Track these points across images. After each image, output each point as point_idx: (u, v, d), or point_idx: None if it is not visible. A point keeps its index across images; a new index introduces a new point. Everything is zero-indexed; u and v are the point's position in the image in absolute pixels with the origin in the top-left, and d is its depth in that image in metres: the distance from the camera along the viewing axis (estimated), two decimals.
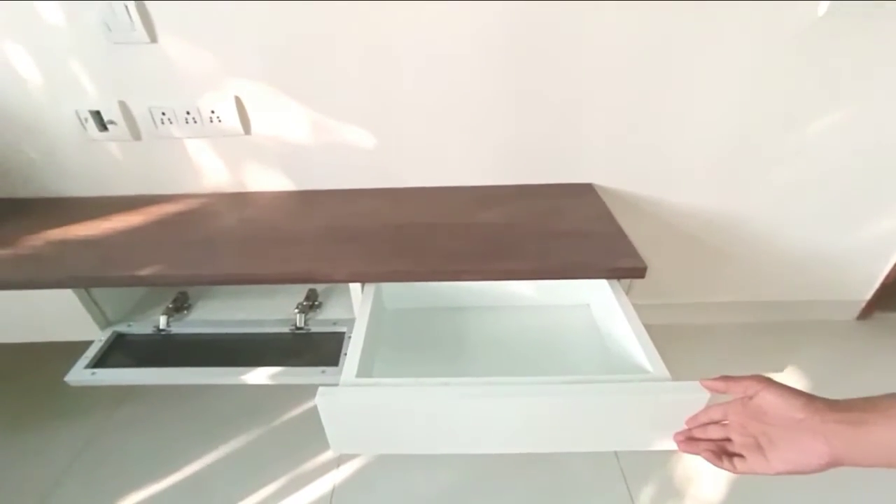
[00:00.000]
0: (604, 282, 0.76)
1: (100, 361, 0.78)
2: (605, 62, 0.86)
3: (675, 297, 1.19)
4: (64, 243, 0.82)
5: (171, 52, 0.85)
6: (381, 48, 0.85)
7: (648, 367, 0.59)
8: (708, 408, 0.52)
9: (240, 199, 0.99)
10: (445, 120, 0.93)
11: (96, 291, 0.81)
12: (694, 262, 1.13)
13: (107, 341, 0.80)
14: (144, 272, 0.73)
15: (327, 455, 0.91)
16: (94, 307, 0.80)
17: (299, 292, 0.88)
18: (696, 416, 0.53)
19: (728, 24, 0.81)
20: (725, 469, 0.47)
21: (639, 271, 0.72)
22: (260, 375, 0.73)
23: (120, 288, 0.86)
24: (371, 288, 0.74)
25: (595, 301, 0.83)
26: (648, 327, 0.64)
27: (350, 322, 0.81)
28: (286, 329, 0.81)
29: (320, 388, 0.55)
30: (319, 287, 0.89)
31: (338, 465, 0.89)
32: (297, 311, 0.82)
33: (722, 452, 0.48)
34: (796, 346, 1.14)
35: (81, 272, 0.74)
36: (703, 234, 1.08)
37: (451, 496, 0.84)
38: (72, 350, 0.79)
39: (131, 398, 1.05)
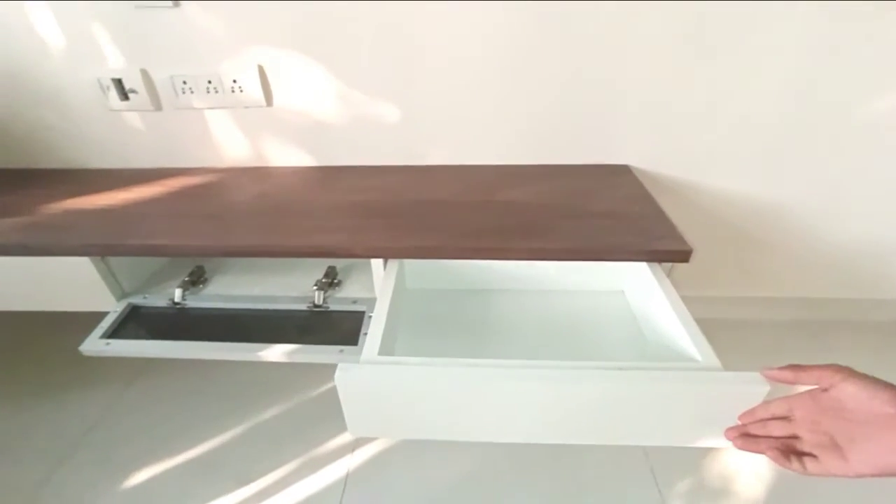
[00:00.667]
0: (642, 266, 0.70)
1: (115, 332, 0.76)
2: (647, 35, 0.80)
3: (709, 290, 1.13)
4: (81, 212, 0.81)
5: (194, 16, 0.82)
6: (410, 17, 0.80)
7: (697, 355, 0.54)
8: (768, 402, 0.46)
9: (259, 174, 0.96)
10: (474, 94, 0.88)
11: (113, 262, 0.79)
12: (731, 252, 1.06)
13: (122, 312, 0.78)
14: (161, 241, 0.71)
15: (342, 439, 0.88)
16: (110, 277, 0.78)
17: (318, 269, 0.85)
18: (752, 411, 0.47)
19: None
20: (794, 470, 0.42)
21: (683, 254, 0.67)
22: (277, 352, 0.70)
23: (136, 259, 0.84)
24: (394, 265, 0.70)
25: (630, 287, 0.77)
26: None
27: (370, 301, 0.77)
28: (304, 306, 0.78)
29: (340, 364, 0.51)
30: (339, 265, 0.85)
31: (352, 451, 0.86)
32: (315, 288, 0.79)
33: (790, 451, 0.42)
34: (836, 346, 1.07)
35: (98, 240, 0.72)
36: (743, 222, 1.01)
37: (466, 488, 0.80)
38: (87, 321, 0.78)
39: (146, 372, 1.04)
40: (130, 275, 0.83)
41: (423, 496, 0.79)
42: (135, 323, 0.79)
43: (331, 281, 0.81)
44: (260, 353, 0.71)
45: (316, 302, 0.78)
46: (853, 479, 0.38)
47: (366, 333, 0.71)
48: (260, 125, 0.95)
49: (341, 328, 0.74)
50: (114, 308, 0.79)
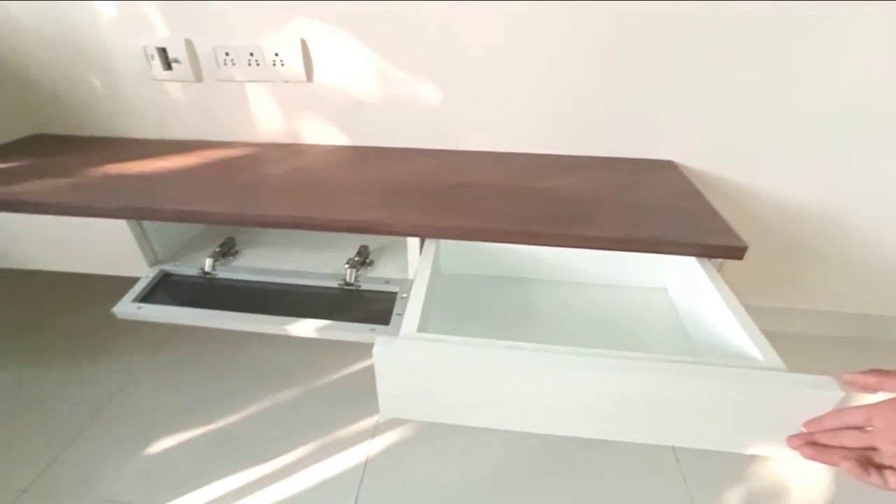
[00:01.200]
0: (690, 261, 0.67)
1: (146, 298, 0.75)
2: (696, 28, 0.77)
3: (749, 298, 1.07)
4: (122, 177, 0.81)
5: None
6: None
7: (758, 355, 0.50)
8: (840, 410, 0.42)
9: (294, 150, 0.95)
10: (516, 80, 0.86)
11: (147, 228, 0.78)
12: (777, 259, 1.01)
13: (154, 278, 0.78)
14: (200, 208, 0.70)
15: (363, 424, 0.86)
16: (144, 243, 0.78)
17: (350, 247, 0.83)
18: (819, 420, 0.43)
19: None
20: (873, 484, 0.38)
21: (737, 251, 0.63)
22: (306, 327, 0.69)
23: (168, 227, 0.83)
24: (431, 245, 0.68)
25: (675, 284, 0.73)
26: None
27: (403, 282, 0.75)
28: (335, 283, 0.76)
29: (379, 338, 0.49)
30: (371, 244, 0.84)
31: (373, 436, 0.84)
32: (347, 266, 0.77)
33: (867, 463, 0.38)
34: (890, 367, 1.01)
35: (138, 203, 0.71)
36: (791, 227, 0.96)
37: (487, 482, 0.77)
38: (114, 290, 0.78)
39: (171, 343, 1.04)
40: (163, 241, 0.82)
41: (443, 490, 0.77)
42: (165, 290, 0.78)
43: (363, 260, 0.79)
44: (289, 327, 0.70)
45: (347, 280, 0.76)
46: None
47: (399, 314, 0.69)
48: (298, 100, 0.94)
49: (372, 307, 0.72)
50: (146, 273, 0.79)
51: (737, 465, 0.80)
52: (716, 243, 0.63)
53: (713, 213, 0.71)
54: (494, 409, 0.52)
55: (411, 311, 0.55)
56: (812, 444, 0.43)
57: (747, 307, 0.55)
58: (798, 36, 0.76)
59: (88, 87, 0.97)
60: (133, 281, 0.78)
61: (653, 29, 0.78)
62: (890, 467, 0.38)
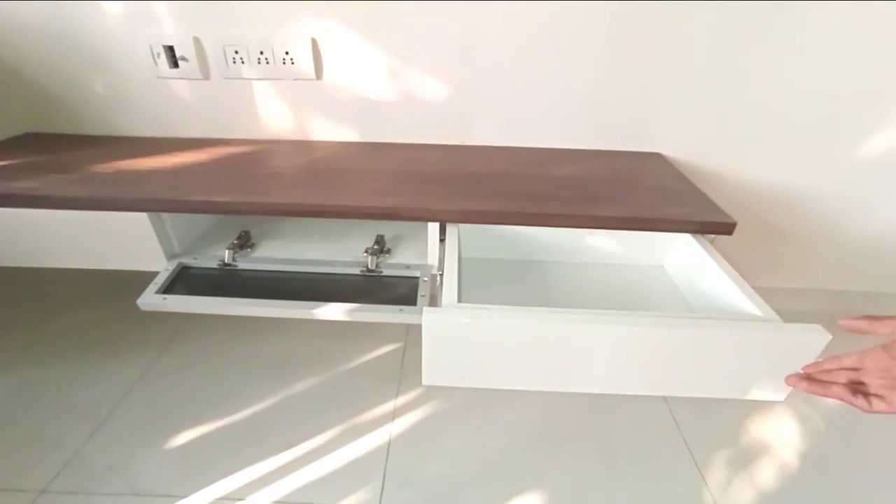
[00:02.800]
0: (686, 238, 0.74)
1: (166, 290, 0.76)
2: (688, 30, 0.85)
3: None
4: (135, 172, 0.81)
5: None
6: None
7: (757, 311, 0.57)
8: (838, 355, 0.49)
9: (303, 146, 0.98)
10: (521, 76, 0.92)
11: (166, 220, 0.79)
12: (758, 242, 1.10)
13: (173, 271, 0.79)
14: (224, 198, 0.71)
15: (383, 408, 0.89)
16: (164, 236, 0.78)
17: (364, 237, 0.86)
18: (818, 363, 0.50)
19: None
20: (859, 406, 0.45)
21: (727, 226, 0.70)
22: (335, 311, 0.71)
23: (185, 220, 0.84)
24: (453, 229, 0.72)
25: (671, 261, 0.81)
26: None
27: (423, 267, 0.79)
28: (357, 270, 0.79)
29: (426, 308, 0.53)
30: (387, 233, 0.87)
31: (392, 419, 0.87)
32: (366, 254, 0.80)
33: (856, 391, 0.45)
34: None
35: (158, 195, 0.72)
36: (768, 213, 1.05)
37: (506, 460, 0.82)
38: (130, 284, 0.78)
39: (182, 337, 1.04)
40: (180, 235, 0.83)
41: (465, 461, 0.80)
42: (185, 282, 0.79)
43: (381, 248, 0.83)
44: (317, 311, 0.72)
45: (369, 266, 0.79)
46: None
47: (423, 295, 0.73)
48: (307, 98, 0.96)
49: (397, 291, 0.76)
50: (165, 267, 0.79)
51: (731, 428, 0.88)
52: (709, 220, 0.71)
53: (701, 195, 0.78)
54: (530, 370, 0.57)
55: (448, 285, 0.59)
56: (808, 379, 0.50)
57: None
58: (771, 39, 0.85)
59: (92, 86, 0.96)
60: (147, 276, 0.79)
61: (648, 37, 0.86)
62: (875, 395, 0.45)
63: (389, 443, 0.83)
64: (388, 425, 0.86)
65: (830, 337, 0.51)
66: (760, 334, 0.53)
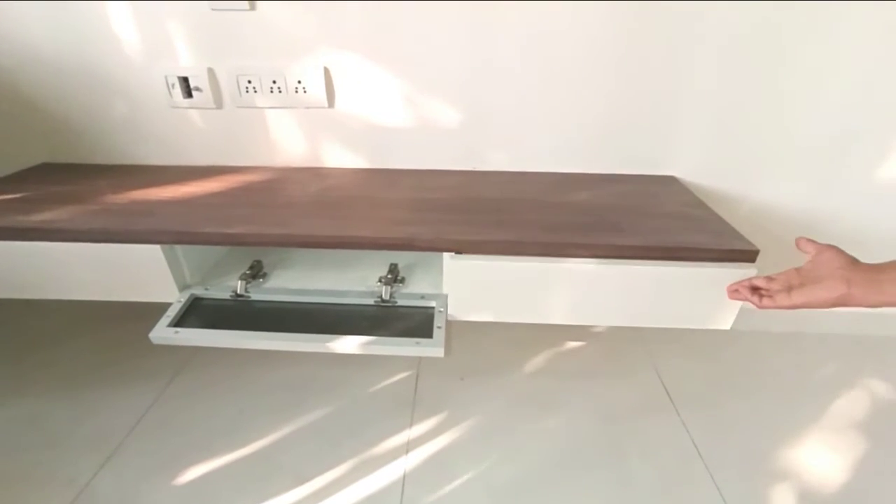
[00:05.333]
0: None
1: (178, 323, 0.75)
2: (700, 51, 0.85)
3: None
4: (148, 203, 0.81)
5: (268, 19, 0.85)
6: (480, 24, 0.84)
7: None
8: (770, 276, 0.62)
9: (315, 173, 0.98)
10: (532, 101, 0.92)
11: (179, 251, 0.79)
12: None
13: (185, 303, 0.78)
14: (238, 230, 0.71)
15: (397, 440, 0.87)
16: (176, 266, 0.78)
17: (376, 266, 0.86)
18: (750, 279, 0.64)
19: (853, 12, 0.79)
20: (750, 301, 0.61)
21: (750, 254, 0.69)
22: (350, 344, 0.70)
23: (198, 251, 0.84)
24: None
25: None
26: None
27: (439, 297, 0.77)
28: (371, 301, 0.78)
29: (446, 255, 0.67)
30: (401, 262, 0.86)
31: (406, 452, 0.85)
32: (380, 283, 0.79)
33: (756, 293, 0.61)
34: (882, 362, 1.08)
35: (171, 227, 0.72)
36: (789, 236, 1.02)
37: (524, 487, 0.79)
38: (137, 314, 0.78)
39: (190, 367, 1.03)
40: (192, 266, 0.82)
41: (483, 496, 0.78)
42: (196, 315, 0.78)
43: (395, 277, 0.82)
44: (331, 345, 0.71)
45: (383, 297, 0.78)
46: (788, 308, 0.56)
47: (440, 327, 0.72)
48: (319, 126, 0.97)
49: (412, 322, 0.74)
50: (177, 298, 0.78)
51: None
52: (731, 247, 0.69)
53: (720, 221, 0.77)
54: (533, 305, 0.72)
55: None
56: (736, 290, 0.64)
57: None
58: (785, 58, 0.85)
59: (104, 115, 0.97)
60: (156, 306, 0.78)
61: (660, 59, 0.86)
62: (767, 296, 0.59)
63: (404, 477, 0.81)
64: (403, 458, 0.84)
65: (755, 271, 0.66)
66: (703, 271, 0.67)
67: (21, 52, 0.90)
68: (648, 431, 0.90)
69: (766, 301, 0.59)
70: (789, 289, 0.57)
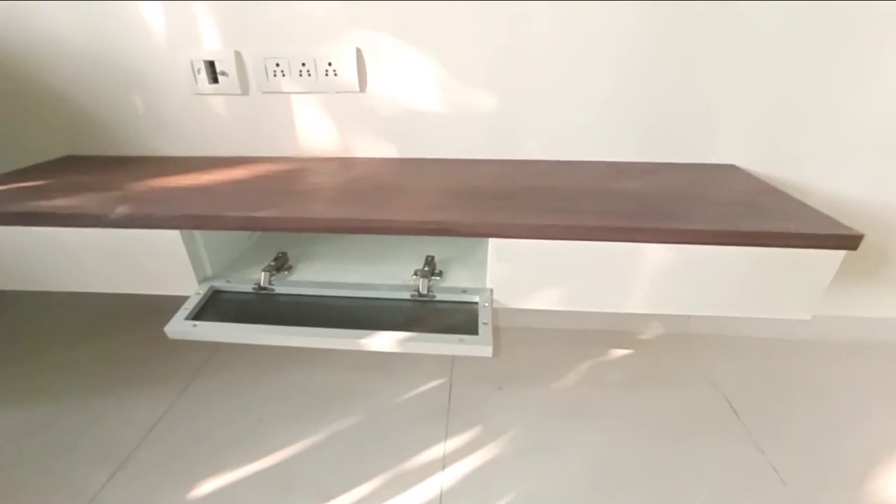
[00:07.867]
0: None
1: (197, 316, 0.69)
2: (759, 34, 0.77)
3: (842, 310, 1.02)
4: (171, 190, 0.76)
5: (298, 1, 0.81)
6: (517, 4, 0.78)
7: None
8: None
9: (344, 163, 0.92)
10: (575, 85, 0.85)
11: (199, 240, 0.73)
12: (856, 267, 0.97)
13: (205, 295, 0.71)
14: (264, 214, 0.65)
15: (432, 453, 0.78)
16: (196, 256, 0.72)
17: (411, 259, 0.78)
18: None
19: None
20: None
21: (852, 240, 0.59)
22: (386, 341, 0.62)
23: (218, 240, 0.78)
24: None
25: None
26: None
27: (482, 291, 0.69)
28: (407, 295, 0.71)
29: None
30: (438, 255, 0.79)
31: (443, 467, 0.76)
32: (417, 276, 0.72)
33: None
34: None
35: (193, 211, 0.66)
36: (868, 232, 0.93)
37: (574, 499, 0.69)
38: (155, 309, 0.71)
39: (208, 369, 0.96)
40: (213, 258, 0.76)
41: None
42: (216, 308, 0.71)
43: (431, 270, 0.74)
44: (364, 341, 0.63)
45: (421, 290, 0.70)
46: None
47: (485, 323, 0.64)
48: (348, 112, 0.91)
49: (453, 318, 0.66)
50: (195, 291, 0.72)
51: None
52: (833, 232, 0.60)
53: (804, 206, 0.68)
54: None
55: None
56: None
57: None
58: (867, 38, 0.76)
59: (128, 105, 0.93)
60: (175, 301, 0.72)
61: (718, 34, 0.78)
62: None
63: (441, 496, 0.71)
64: (439, 474, 0.75)
65: None
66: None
67: (45, 42, 0.88)
68: (711, 449, 0.79)
69: None
70: None
